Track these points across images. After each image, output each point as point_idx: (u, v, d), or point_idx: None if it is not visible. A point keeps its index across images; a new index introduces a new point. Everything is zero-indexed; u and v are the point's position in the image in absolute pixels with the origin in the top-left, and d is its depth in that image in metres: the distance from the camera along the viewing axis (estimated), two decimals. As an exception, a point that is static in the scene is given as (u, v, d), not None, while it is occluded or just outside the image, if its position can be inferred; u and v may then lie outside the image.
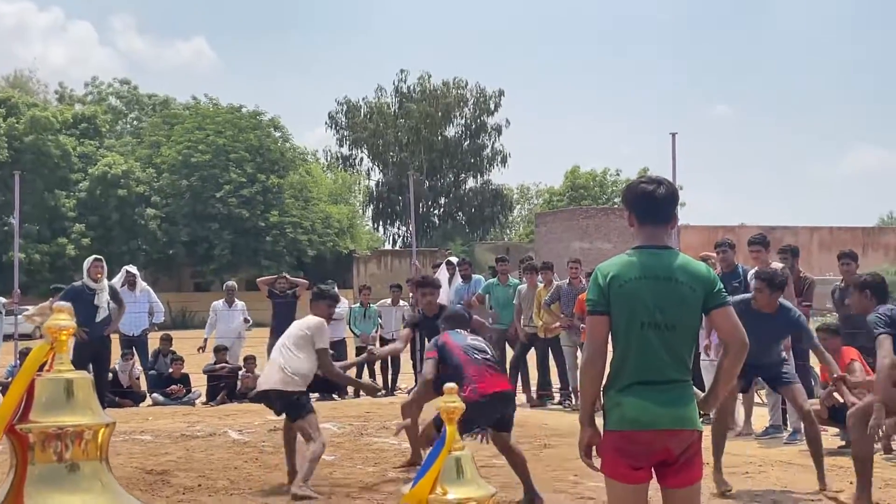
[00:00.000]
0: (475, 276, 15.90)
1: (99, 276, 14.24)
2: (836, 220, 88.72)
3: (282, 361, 8.34)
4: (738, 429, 10.94)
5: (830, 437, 10.44)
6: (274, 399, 8.33)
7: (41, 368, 2.42)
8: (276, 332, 11.68)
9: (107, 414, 2.51)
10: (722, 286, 4.43)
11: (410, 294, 13.41)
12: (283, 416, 8.48)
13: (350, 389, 16.34)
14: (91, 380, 2.46)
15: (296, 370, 8.30)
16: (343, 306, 17.48)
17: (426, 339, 10.07)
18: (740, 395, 10.79)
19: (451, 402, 2.50)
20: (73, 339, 12.62)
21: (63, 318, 2.41)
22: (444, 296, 15.09)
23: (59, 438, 2.40)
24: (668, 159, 15.98)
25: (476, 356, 7.18)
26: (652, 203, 4.36)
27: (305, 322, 8.61)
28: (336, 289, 16.13)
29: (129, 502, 2.43)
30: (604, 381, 4.33)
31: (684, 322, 4.26)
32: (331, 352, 8.69)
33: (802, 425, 8.58)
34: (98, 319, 13.94)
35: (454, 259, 17.15)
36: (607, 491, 4.35)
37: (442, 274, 16.33)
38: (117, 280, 15.70)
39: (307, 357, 8.38)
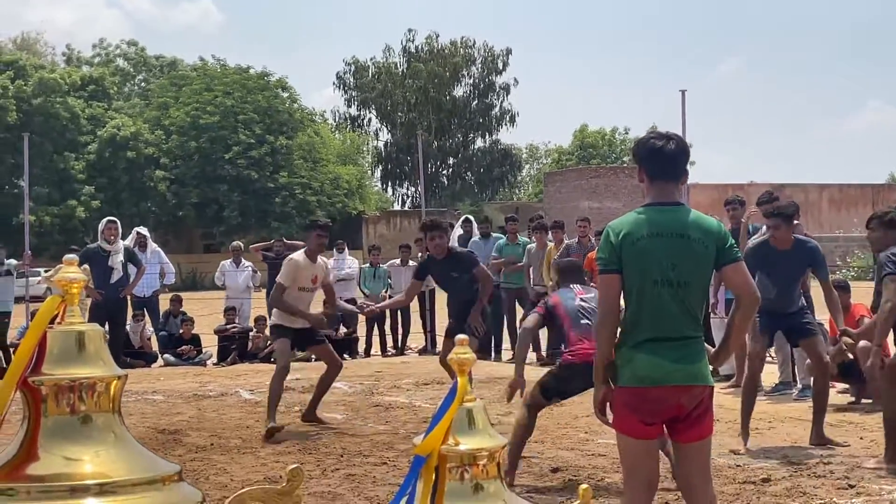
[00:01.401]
0: (494, 235, 15.90)
1: (113, 237, 14.33)
2: (846, 178, 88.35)
3: None
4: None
5: (838, 393, 10.49)
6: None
7: (52, 321, 2.43)
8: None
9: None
10: (733, 241, 4.43)
11: (419, 254, 13.42)
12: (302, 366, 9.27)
13: (361, 349, 16.46)
14: (103, 332, 2.46)
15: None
16: (353, 266, 17.54)
17: (438, 283, 10.12)
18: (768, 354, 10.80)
19: (462, 353, 2.49)
20: (88, 301, 12.66)
21: (73, 270, 2.41)
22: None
23: (72, 391, 2.41)
24: (677, 117, 16.03)
25: (581, 321, 7.01)
26: (662, 159, 4.34)
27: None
28: (347, 249, 16.22)
29: (142, 453, 2.43)
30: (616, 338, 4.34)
31: (697, 278, 4.26)
32: (300, 287, 9.26)
33: (813, 376, 8.57)
34: (112, 281, 14.05)
35: (471, 217, 17.21)
36: (619, 446, 4.38)
37: (457, 232, 16.38)
38: (130, 241, 15.77)
39: (287, 294, 9.21)
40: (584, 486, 2.45)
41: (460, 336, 2.46)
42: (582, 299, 7.20)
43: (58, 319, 2.43)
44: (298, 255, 9.37)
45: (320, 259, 9.48)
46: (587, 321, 6.96)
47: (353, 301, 16.51)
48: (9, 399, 2.33)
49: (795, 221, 8.70)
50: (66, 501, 2.26)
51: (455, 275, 9.34)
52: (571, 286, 7.40)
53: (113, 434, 2.43)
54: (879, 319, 7.21)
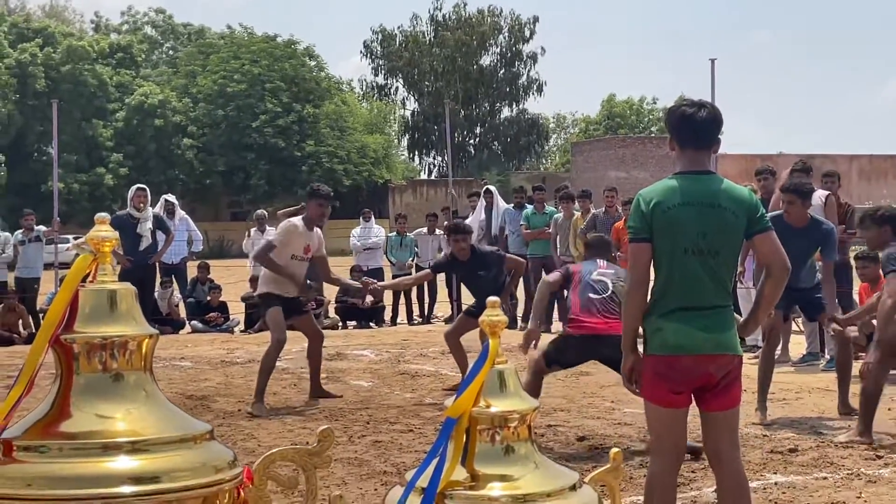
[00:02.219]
0: (528, 207, 15.78)
1: (142, 205, 14.41)
2: (876, 149, 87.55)
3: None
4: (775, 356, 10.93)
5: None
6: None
7: (84, 280, 2.44)
8: None
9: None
10: (764, 211, 4.39)
11: (445, 222, 13.40)
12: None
13: (387, 317, 16.50)
14: (134, 291, 2.47)
15: (265, 273, 9.03)
16: (380, 235, 17.57)
17: (463, 282, 10.09)
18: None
19: (493, 315, 2.49)
20: (118, 268, 12.73)
21: (105, 229, 2.41)
22: (477, 225, 15.15)
23: (104, 349, 2.42)
24: (707, 86, 15.82)
25: (590, 294, 7.05)
26: (693, 127, 4.30)
27: None
28: (373, 217, 16.21)
29: (173, 412, 2.44)
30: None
31: (727, 248, 4.23)
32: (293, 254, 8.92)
33: (836, 349, 8.55)
34: (141, 248, 14.13)
35: (492, 187, 17.15)
36: (647, 415, 4.37)
37: (480, 203, 16.35)
38: (158, 209, 15.85)
39: (277, 258, 8.82)
40: (615, 449, 2.45)
41: (492, 298, 2.46)
42: (601, 273, 7.22)
43: (90, 278, 2.44)
44: (297, 220, 9.00)
45: (317, 230, 9.07)
46: (595, 296, 7.03)
47: (379, 270, 16.58)
48: (41, 356, 2.34)
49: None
50: (99, 459, 2.28)
51: (482, 273, 9.27)
52: (597, 260, 7.41)
53: (144, 392, 2.44)
54: (880, 315, 7.20)
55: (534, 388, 6.99)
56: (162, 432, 2.37)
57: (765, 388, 8.06)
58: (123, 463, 2.29)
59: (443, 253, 10.73)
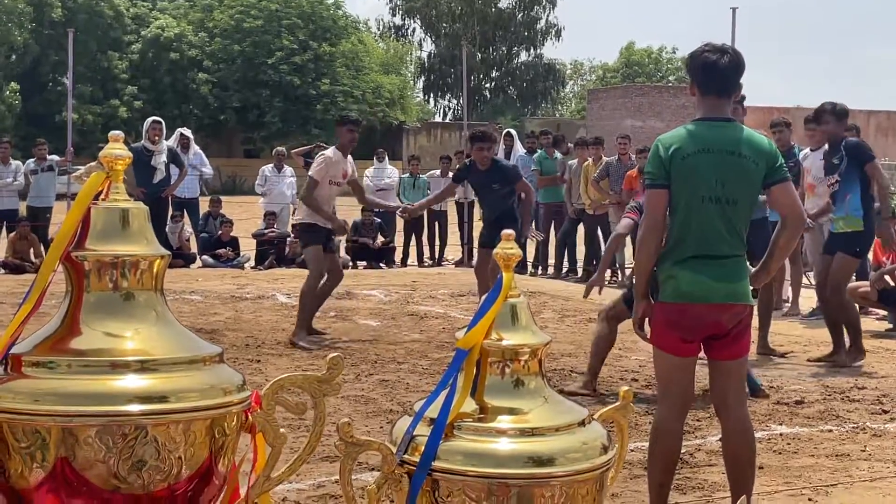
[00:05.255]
0: (539, 152, 15.75)
1: (157, 138, 14.40)
2: (894, 105, 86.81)
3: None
4: (785, 308, 10.93)
5: (876, 320, 10.43)
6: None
7: (96, 197, 2.42)
8: None
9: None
10: (783, 161, 4.34)
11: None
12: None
13: (398, 258, 16.51)
14: (147, 210, 2.45)
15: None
16: (393, 176, 17.52)
17: (476, 192, 10.10)
18: (788, 274, 10.79)
19: (508, 248, 2.46)
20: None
21: (118, 147, 2.39)
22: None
23: (114, 267, 2.41)
24: (727, 36, 15.63)
25: None
26: (715, 73, 4.23)
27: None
28: (387, 158, 16.16)
29: (183, 334, 2.44)
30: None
31: (745, 196, 4.19)
32: (331, 181, 9.10)
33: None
34: (155, 181, 14.14)
35: (513, 131, 17.07)
36: (656, 362, 4.36)
37: (499, 147, 16.29)
38: (173, 142, 15.82)
39: (319, 189, 9.06)
40: (624, 388, 2.44)
41: (506, 231, 2.44)
42: None
43: (102, 196, 2.43)
44: (330, 151, 9.26)
45: (349, 157, 9.34)
46: None
47: (409, 205, 16.53)
48: (52, 272, 2.34)
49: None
50: (107, 377, 2.28)
51: (496, 186, 9.28)
52: None
53: (154, 312, 2.44)
54: None
55: (611, 337, 7.12)
56: (171, 353, 2.37)
57: (765, 325, 8.19)
58: (131, 382, 2.29)
59: (462, 163, 10.71)
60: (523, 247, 11.24)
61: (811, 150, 10.80)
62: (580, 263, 14.87)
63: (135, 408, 2.27)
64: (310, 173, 9.13)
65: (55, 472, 2.29)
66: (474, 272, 9.87)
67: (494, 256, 2.50)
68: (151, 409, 2.28)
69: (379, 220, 16.20)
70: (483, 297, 2.55)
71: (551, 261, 15.39)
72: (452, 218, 17.03)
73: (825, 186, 10.33)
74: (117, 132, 2.37)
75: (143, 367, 2.31)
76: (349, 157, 9.30)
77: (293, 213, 16.84)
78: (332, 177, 9.10)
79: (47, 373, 2.31)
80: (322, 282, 9.24)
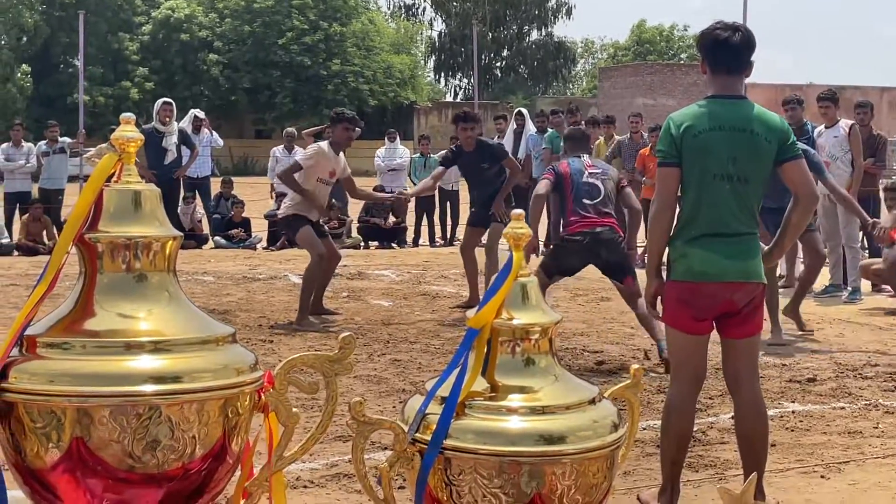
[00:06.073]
0: (550, 131, 15.71)
1: (168, 119, 14.41)
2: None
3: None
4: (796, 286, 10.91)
5: (889, 297, 10.40)
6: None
7: (109, 179, 2.44)
8: None
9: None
10: (794, 138, 4.33)
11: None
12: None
13: (409, 238, 16.52)
14: (158, 192, 2.46)
15: (290, 195, 9.02)
16: (404, 156, 17.51)
17: (465, 175, 10.12)
18: (800, 254, 10.76)
19: (517, 227, 2.47)
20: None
21: (130, 129, 2.40)
22: (510, 145, 15.04)
23: (128, 248, 2.43)
24: (738, 14, 15.57)
25: (584, 199, 7.19)
26: (726, 50, 4.22)
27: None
28: (399, 138, 16.10)
29: (196, 314, 2.46)
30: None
31: (756, 174, 4.18)
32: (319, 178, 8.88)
33: (806, 265, 8.93)
34: (166, 162, 14.16)
35: (524, 110, 17.01)
36: (668, 341, 4.36)
37: (510, 126, 16.25)
38: (185, 124, 15.83)
39: (303, 181, 8.80)
40: (635, 365, 2.45)
41: (516, 210, 2.44)
42: (591, 173, 7.36)
43: (114, 178, 2.44)
44: (324, 144, 9.03)
45: (342, 154, 9.09)
46: (589, 201, 7.20)
47: (402, 192, 16.57)
48: (65, 253, 2.35)
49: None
50: (121, 357, 2.30)
51: (485, 166, 9.39)
52: (581, 156, 7.52)
53: (167, 293, 2.46)
54: None
55: None
56: (184, 333, 2.38)
57: (774, 309, 8.14)
58: (145, 362, 2.31)
59: (448, 148, 10.83)
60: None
61: (825, 127, 10.77)
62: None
63: (149, 388, 2.29)
64: (297, 158, 8.98)
65: (70, 452, 2.31)
66: (460, 251, 9.97)
67: (505, 236, 2.51)
68: (165, 389, 2.30)
69: (368, 202, 16.17)
70: (493, 277, 2.56)
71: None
72: (464, 197, 17.02)
73: (840, 164, 10.34)
74: (129, 114, 2.38)
75: (157, 347, 2.33)
76: (342, 154, 9.07)
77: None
78: (319, 173, 8.85)
79: (62, 354, 2.33)
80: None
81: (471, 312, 2.53)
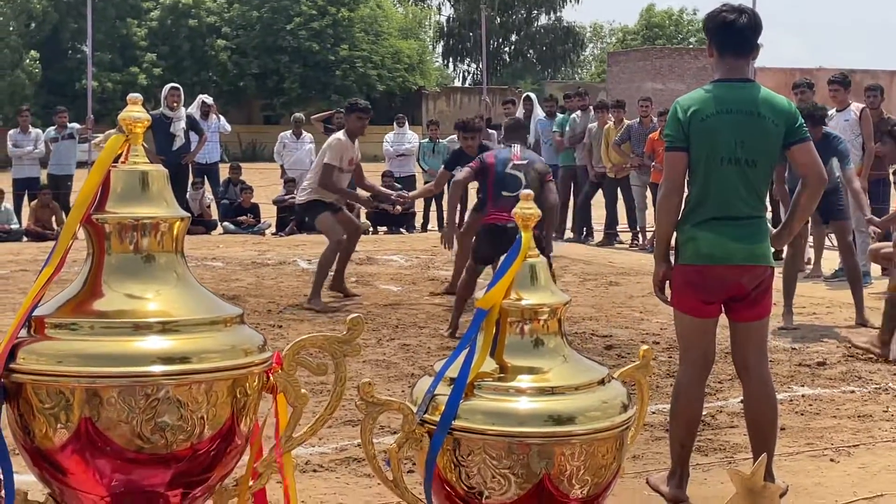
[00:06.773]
0: (560, 115, 15.67)
1: (175, 104, 14.41)
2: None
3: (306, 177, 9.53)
4: (807, 270, 10.89)
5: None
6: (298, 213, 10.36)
7: (116, 160, 2.44)
8: None
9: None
10: (803, 121, 4.32)
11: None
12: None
13: (418, 223, 16.52)
14: (166, 173, 2.46)
15: (309, 181, 9.32)
16: (413, 141, 17.48)
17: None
18: (810, 237, 10.74)
19: (526, 208, 2.47)
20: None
21: (137, 110, 2.40)
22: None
23: (135, 229, 2.43)
24: (748, -3, 15.47)
25: (502, 192, 7.33)
26: (732, 33, 4.21)
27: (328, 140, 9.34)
28: (407, 123, 16.13)
29: (204, 295, 2.45)
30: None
31: (764, 157, 4.17)
32: (340, 168, 9.08)
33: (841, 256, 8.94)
34: (174, 148, 14.16)
35: (532, 95, 16.95)
36: (677, 324, 4.35)
37: (519, 111, 16.21)
38: (193, 109, 15.83)
39: (319, 170, 9.13)
40: (644, 346, 2.45)
41: (525, 191, 2.44)
42: (515, 165, 7.47)
43: (121, 159, 2.44)
44: (341, 135, 9.18)
45: (356, 142, 9.35)
46: (508, 193, 7.30)
47: (411, 178, 16.59)
48: (73, 235, 2.35)
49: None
50: (129, 338, 2.30)
51: None
52: (511, 146, 7.63)
53: (175, 274, 2.45)
54: None
55: (469, 285, 7.59)
56: (192, 314, 2.38)
57: (789, 295, 8.12)
58: (153, 343, 2.31)
59: (452, 150, 11.07)
60: None
61: (836, 111, 10.73)
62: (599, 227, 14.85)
63: (157, 368, 2.29)
64: (325, 160, 9.02)
65: (79, 432, 2.31)
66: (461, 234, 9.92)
67: (514, 215, 2.51)
68: (173, 369, 2.30)
69: (399, 186, 16.19)
70: (501, 258, 2.56)
71: (569, 224, 15.36)
72: (472, 183, 17.00)
73: (850, 148, 10.28)
74: (136, 95, 2.37)
75: (165, 328, 2.33)
76: (356, 142, 9.32)
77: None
78: (341, 163, 9.10)
79: (70, 334, 2.33)
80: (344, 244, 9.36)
81: (480, 293, 2.53)
